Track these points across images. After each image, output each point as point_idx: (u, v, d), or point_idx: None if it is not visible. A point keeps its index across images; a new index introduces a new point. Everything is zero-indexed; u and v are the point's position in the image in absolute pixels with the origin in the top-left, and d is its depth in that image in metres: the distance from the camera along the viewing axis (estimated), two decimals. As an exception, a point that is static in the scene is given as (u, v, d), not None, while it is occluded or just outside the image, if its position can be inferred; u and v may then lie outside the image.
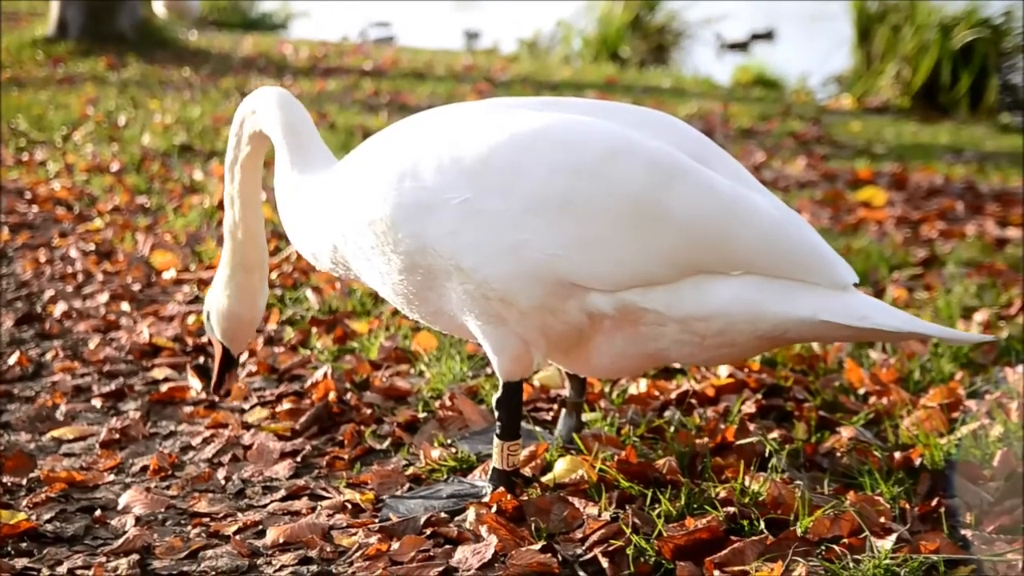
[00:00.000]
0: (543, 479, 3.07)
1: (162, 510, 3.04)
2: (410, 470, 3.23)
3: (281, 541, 2.83)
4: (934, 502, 2.82)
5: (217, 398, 3.44)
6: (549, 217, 2.66)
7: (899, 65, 10.73)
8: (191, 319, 4.63)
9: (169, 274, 5.32)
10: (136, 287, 5.19)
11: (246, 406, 3.78)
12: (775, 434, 3.32)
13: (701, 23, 15.81)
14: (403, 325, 4.38)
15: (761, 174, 7.25)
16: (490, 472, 2.97)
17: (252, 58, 13.45)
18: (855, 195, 6.61)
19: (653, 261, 2.67)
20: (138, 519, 2.99)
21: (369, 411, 3.64)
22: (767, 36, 20.89)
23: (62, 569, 2.73)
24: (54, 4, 13.42)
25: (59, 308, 4.88)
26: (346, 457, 3.34)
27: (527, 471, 3.11)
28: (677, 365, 3.88)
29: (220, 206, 6.51)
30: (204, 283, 5.16)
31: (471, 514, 2.86)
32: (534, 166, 2.69)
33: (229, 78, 11.51)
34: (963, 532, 2.68)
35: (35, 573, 2.71)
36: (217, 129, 8.68)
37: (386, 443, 3.44)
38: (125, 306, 4.89)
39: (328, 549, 2.77)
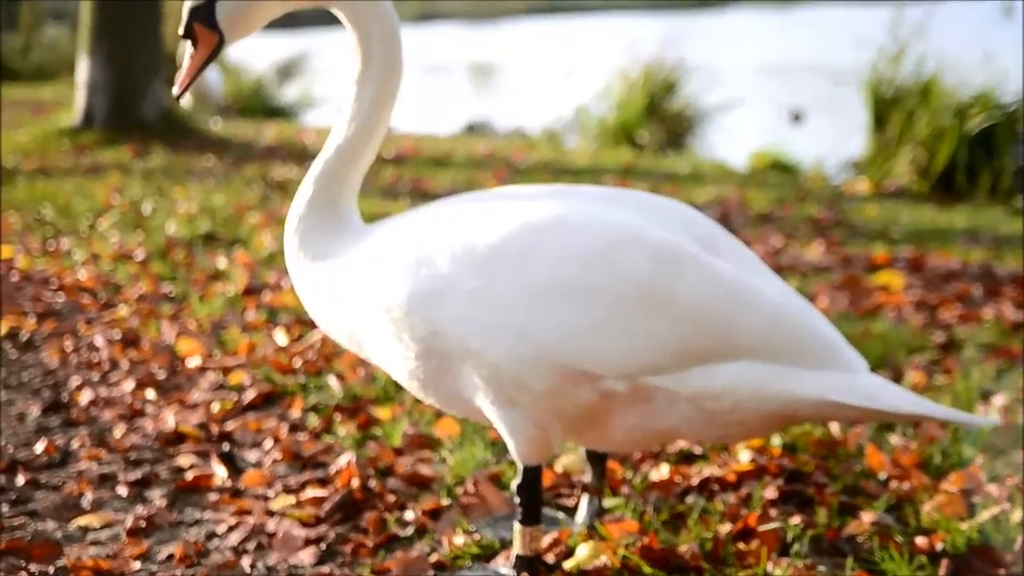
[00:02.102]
0: (566, 565, 3.09)
1: (189, 597, 3.07)
2: (434, 557, 3.25)
3: (307, 628, 2.85)
4: (955, 587, 2.83)
5: (177, 93, 3.22)
6: (556, 303, 2.72)
7: (915, 149, 10.79)
8: (216, 407, 4.68)
9: (194, 362, 5.36)
10: (161, 375, 5.23)
11: (271, 493, 3.82)
12: (797, 519, 3.34)
13: (717, 109, 15.90)
14: (426, 411, 4.42)
15: (779, 259, 7.30)
16: (513, 559, 2.99)
17: (274, 146, 13.58)
18: (873, 279, 6.64)
19: (658, 350, 2.71)
20: (166, 606, 3.02)
21: (393, 498, 3.67)
22: (798, 117, 21.09)
23: (92, 656, 2.75)
24: (79, 94, 13.58)
25: (85, 396, 4.93)
26: (370, 544, 3.37)
27: (550, 557, 3.13)
28: (698, 451, 3.91)
29: (245, 293, 6.58)
30: (228, 370, 5.21)
31: (495, 601, 2.88)
32: (541, 254, 2.76)
33: (252, 165, 11.62)
34: (984, 617, 2.69)
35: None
36: (240, 216, 8.76)
37: (410, 530, 3.47)
38: (150, 394, 4.94)
39: (354, 636, 2.79)
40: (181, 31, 3.15)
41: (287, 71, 24.16)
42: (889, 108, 11.48)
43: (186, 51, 3.16)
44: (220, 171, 11.31)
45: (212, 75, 16.46)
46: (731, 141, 15.68)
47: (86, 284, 6.96)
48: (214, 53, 3.16)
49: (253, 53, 24.39)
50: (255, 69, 23.73)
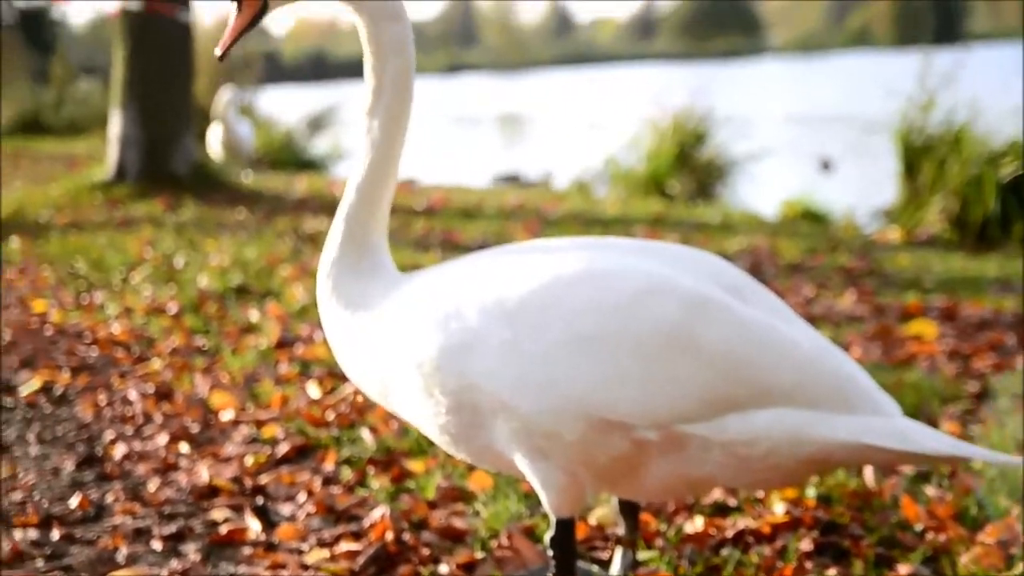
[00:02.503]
0: (601, 618, 3.08)
1: (225, 652, 3.06)
2: (469, 610, 3.25)
3: None
4: (994, 640, 2.81)
5: (219, 54, 3.20)
6: (585, 355, 2.72)
7: (946, 198, 10.77)
8: (249, 460, 4.69)
9: (227, 415, 5.38)
10: (195, 428, 5.25)
11: (305, 547, 3.82)
12: (833, 572, 3.32)
13: (747, 158, 15.91)
14: (459, 464, 4.42)
15: (811, 308, 7.28)
16: (548, 611, 2.98)
17: (305, 198, 13.66)
18: (905, 328, 6.62)
19: (689, 398, 2.71)
20: (201, 661, 3.01)
21: (427, 551, 3.67)
22: (827, 166, 21.17)
23: None
24: (112, 148, 13.69)
25: (119, 450, 4.95)
26: (405, 597, 3.36)
27: (585, 610, 3.12)
28: (733, 502, 3.89)
29: (277, 346, 6.60)
30: (261, 424, 5.22)
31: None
32: (570, 305, 2.77)
33: (283, 218, 11.68)
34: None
35: None
36: (272, 269, 8.80)
37: (445, 583, 3.46)
38: (184, 447, 4.95)
39: None
40: None
41: (317, 124, 24.35)
42: (920, 157, 11.47)
43: (231, 13, 3.17)
44: (252, 224, 11.36)
45: (243, 128, 16.55)
46: (761, 190, 15.68)
47: (119, 338, 6.99)
48: (257, 17, 3.18)
49: (283, 106, 24.61)
50: (286, 122, 23.92)
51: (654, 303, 2.75)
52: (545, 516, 3.86)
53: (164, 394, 5.83)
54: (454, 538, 3.81)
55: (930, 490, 4.03)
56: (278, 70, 73.73)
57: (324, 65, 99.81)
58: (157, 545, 3.91)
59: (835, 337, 6.46)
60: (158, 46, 13.58)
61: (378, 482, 4.34)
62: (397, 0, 3.10)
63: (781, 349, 2.75)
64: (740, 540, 3.65)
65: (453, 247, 9.53)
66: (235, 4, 3.15)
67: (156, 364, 6.36)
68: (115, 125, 13.63)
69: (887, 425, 2.76)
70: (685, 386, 2.71)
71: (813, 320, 6.92)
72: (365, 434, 4.91)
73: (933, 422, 4.87)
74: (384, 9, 3.09)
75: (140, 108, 13.51)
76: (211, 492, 4.39)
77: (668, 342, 2.72)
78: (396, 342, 2.94)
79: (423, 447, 4.71)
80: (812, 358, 2.77)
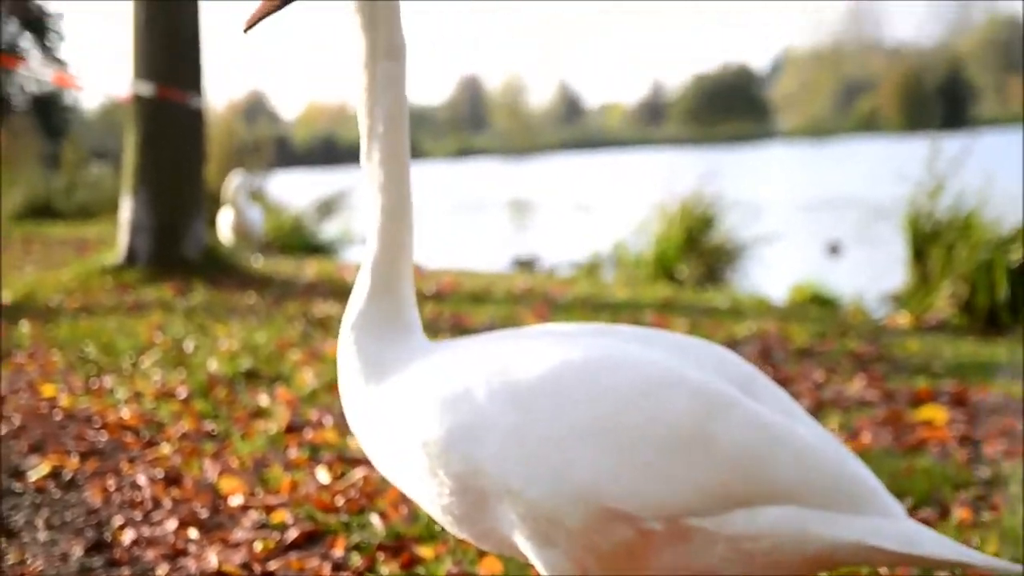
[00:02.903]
0: None
1: None
2: None
3: None
4: None
5: (245, 28, 3.17)
6: (592, 444, 2.72)
7: (955, 283, 10.78)
8: (258, 546, 4.68)
9: (236, 500, 5.37)
10: (204, 513, 5.24)
11: (314, 634, 3.80)
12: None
13: (756, 243, 15.94)
14: (469, 550, 4.40)
15: (821, 394, 7.27)
16: None
17: (315, 283, 13.69)
18: (916, 414, 6.60)
19: (696, 492, 2.71)
20: None
21: (437, 638, 3.65)
22: (835, 250, 21.25)
23: None
24: (123, 233, 13.74)
25: (128, 535, 4.94)
26: None
27: None
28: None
29: (287, 430, 6.60)
30: (271, 509, 5.21)
31: None
32: (579, 393, 2.76)
33: (293, 302, 11.70)
34: None
35: None
36: (282, 354, 8.81)
37: (454, 671, 3.44)
38: (193, 533, 4.94)
39: None
40: None
41: (327, 208, 24.46)
42: (929, 242, 11.50)
43: None
44: (262, 308, 11.39)
45: (254, 213, 16.64)
46: (770, 275, 15.72)
47: (129, 422, 6.99)
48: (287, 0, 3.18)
49: (293, 190, 24.74)
50: (295, 206, 24.03)
51: (664, 396, 2.75)
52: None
53: (173, 479, 5.82)
54: (464, 625, 3.79)
55: (942, 578, 4.01)
56: (288, 154, 74.20)
57: (334, 149, 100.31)
58: (165, 632, 3.90)
59: (845, 423, 6.45)
60: (170, 131, 13.68)
61: (388, 568, 4.33)
62: (398, 35, 3.11)
63: (789, 447, 2.76)
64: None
65: (462, 331, 9.54)
66: None
67: (165, 449, 6.36)
68: (126, 210, 13.70)
69: (892, 527, 2.76)
70: (692, 480, 2.71)
71: (823, 405, 6.91)
72: (375, 519, 4.90)
73: (945, 508, 4.85)
74: (387, 45, 3.09)
75: (151, 193, 13.58)
76: (220, 578, 4.37)
77: (677, 435, 2.72)
78: (405, 418, 2.94)
79: (433, 532, 4.69)
80: (820, 457, 2.77)
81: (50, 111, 54.81)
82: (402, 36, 3.12)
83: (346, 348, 3.14)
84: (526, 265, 19.56)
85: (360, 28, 3.10)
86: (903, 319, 10.89)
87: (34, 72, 49.29)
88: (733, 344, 8.86)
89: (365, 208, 3.17)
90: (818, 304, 12.91)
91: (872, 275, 13.65)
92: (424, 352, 3.08)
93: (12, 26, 54.71)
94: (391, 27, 3.10)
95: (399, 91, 3.11)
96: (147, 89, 13.47)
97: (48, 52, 56.36)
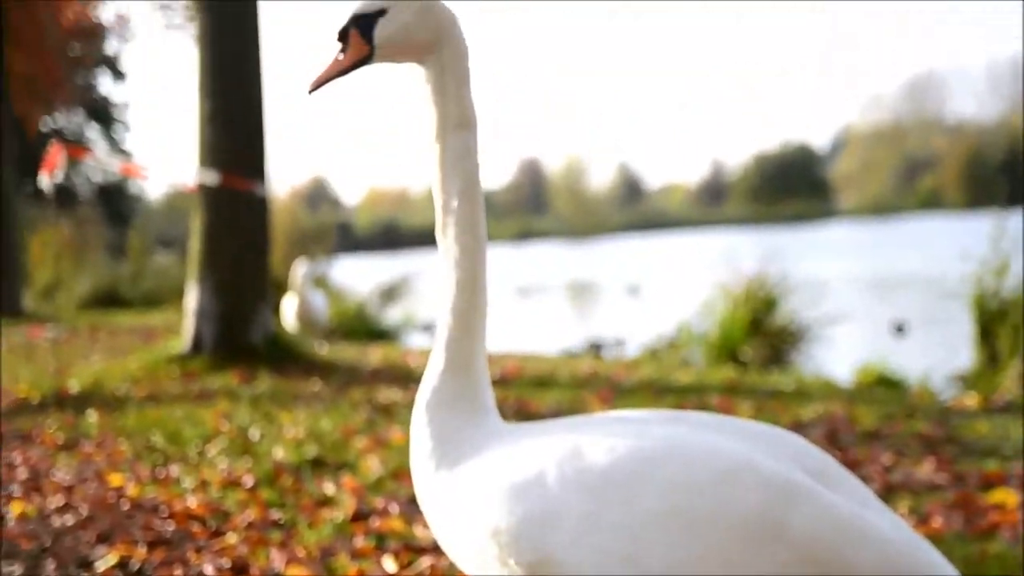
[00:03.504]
0: None
1: None
2: None
3: None
4: None
5: (310, 90, 3.19)
6: (666, 532, 2.70)
7: (1023, 363, 10.68)
8: (326, 637, 4.66)
9: (303, 590, 5.36)
10: (271, 604, 5.23)
11: None
12: None
13: (821, 323, 15.84)
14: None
15: (889, 477, 7.19)
16: None
17: (379, 369, 13.71)
18: (986, 497, 6.51)
19: None
20: None
21: None
22: (901, 329, 21.13)
23: None
24: (188, 321, 13.84)
25: (196, 626, 4.94)
26: None
27: None
28: None
29: (353, 519, 6.59)
30: (337, 599, 5.20)
31: None
32: (652, 482, 2.74)
33: (357, 389, 11.73)
34: None
35: None
36: (347, 441, 8.82)
37: None
38: (260, 623, 4.93)
39: None
40: (337, 33, 3.19)
41: (390, 294, 24.57)
42: (996, 321, 11.41)
43: (334, 53, 3.20)
44: (326, 395, 11.42)
45: (318, 300, 16.73)
46: (835, 356, 15.61)
47: (195, 511, 7.01)
48: (358, 63, 3.20)
49: (356, 276, 24.88)
50: (359, 292, 24.16)
51: (737, 484, 2.73)
52: None
53: (240, 568, 5.82)
54: None
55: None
56: (351, 240, 74.71)
57: (396, 234, 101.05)
58: None
59: (915, 506, 6.37)
60: (235, 219, 13.82)
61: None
62: (468, 107, 3.13)
63: (865, 538, 2.72)
64: None
65: (527, 416, 9.52)
66: (340, 44, 3.19)
67: (232, 538, 6.37)
68: (192, 298, 13.81)
69: None
70: (765, 570, 2.69)
71: (892, 489, 6.83)
72: (441, 610, 4.87)
73: (1019, 595, 4.77)
74: (459, 118, 3.11)
75: (217, 281, 13.70)
76: (287, 670, 4.36)
77: (750, 525, 2.70)
78: (475, 504, 2.92)
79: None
80: (894, 547, 2.73)
81: (116, 200, 55.66)
82: (473, 107, 3.13)
83: (419, 428, 3.12)
84: (595, 348, 19.52)
85: (430, 100, 3.13)
86: (971, 400, 10.76)
87: (100, 162, 49.99)
88: (799, 427, 8.79)
89: (440, 284, 3.15)
90: (884, 385, 12.79)
91: (939, 355, 13.54)
92: (497, 435, 3.06)
93: (79, 116, 55.66)
94: (461, 98, 3.12)
95: (472, 163, 3.12)
96: (212, 178, 13.63)
97: (114, 142, 57.30)
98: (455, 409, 3.10)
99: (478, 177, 3.13)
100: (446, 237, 3.13)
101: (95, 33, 33.84)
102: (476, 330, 3.14)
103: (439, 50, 3.15)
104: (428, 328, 23.61)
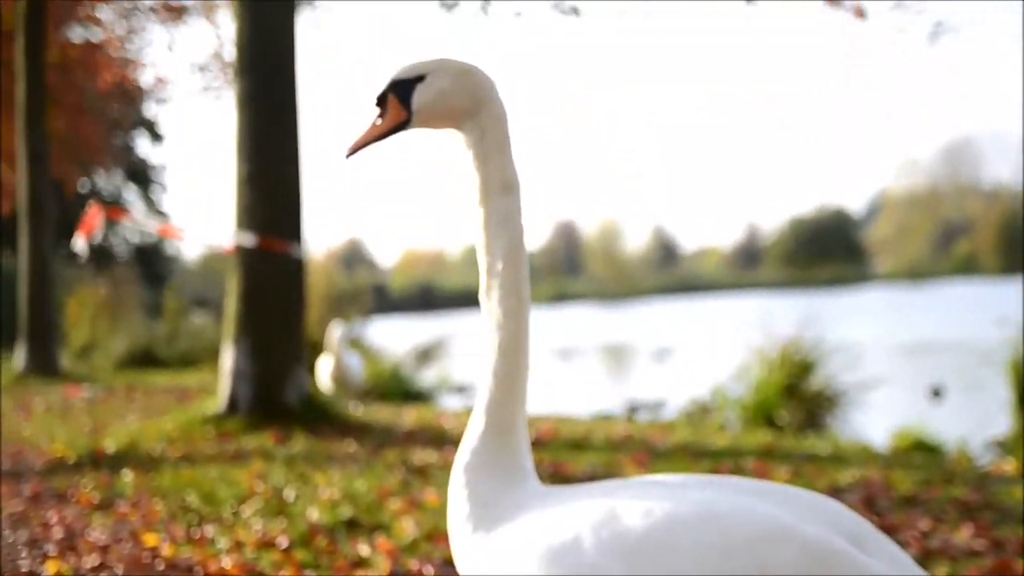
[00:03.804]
0: None
1: None
2: None
3: None
4: None
5: (347, 155, 3.25)
6: None
7: (1062, 428, 10.63)
8: None
9: (337, 652, 5.35)
10: (305, 666, 5.22)
11: None
12: None
13: (857, 388, 15.77)
14: None
15: (927, 543, 7.14)
16: None
17: (414, 430, 13.71)
18: (1026, 564, 6.47)
19: None
20: None
21: None
22: (938, 393, 21.05)
23: None
24: (224, 381, 13.87)
25: None
26: None
27: None
28: None
29: (386, 582, 6.58)
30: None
31: None
32: (687, 545, 2.74)
33: (392, 450, 11.72)
34: None
35: None
36: (382, 502, 8.82)
37: None
38: None
39: None
40: (376, 98, 3.24)
41: (425, 355, 24.60)
42: (1033, 387, 11.35)
43: (372, 118, 3.25)
44: (361, 456, 11.42)
45: (353, 361, 16.76)
46: (872, 420, 15.53)
47: (230, 572, 7.01)
48: (396, 129, 3.24)
49: (391, 337, 24.93)
50: (393, 353, 24.19)
51: (773, 548, 2.72)
52: None
53: (275, 630, 5.82)
54: None
55: None
56: (386, 301, 74.89)
57: (431, 296, 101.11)
58: None
59: (953, 572, 6.33)
60: (271, 280, 13.88)
61: None
62: (510, 170, 3.16)
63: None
64: None
65: (562, 479, 9.50)
66: (378, 109, 3.24)
67: (267, 599, 6.36)
68: (228, 359, 13.85)
69: None
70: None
71: (930, 555, 6.79)
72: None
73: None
74: (501, 180, 3.14)
75: (253, 342, 13.74)
76: None
77: (789, 590, 2.69)
78: (511, 567, 2.92)
79: None
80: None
81: (152, 261, 56.06)
82: (515, 170, 3.16)
83: (457, 490, 3.14)
84: (631, 410, 19.47)
85: (472, 164, 3.16)
86: (1009, 465, 10.69)
87: (138, 223, 50.40)
88: (836, 492, 8.74)
89: (482, 346, 3.17)
90: (921, 450, 12.72)
91: (976, 420, 13.46)
92: (535, 498, 3.07)
93: (117, 178, 56.19)
94: (503, 162, 3.14)
95: (516, 227, 3.15)
96: (249, 240, 13.71)
97: (151, 203, 57.79)
98: (494, 472, 3.11)
99: (522, 240, 3.16)
100: (490, 299, 3.15)
101: (134, 95, 34.16)
102: (517, 393, 3.16)
103: (477, 115, 3.19)
104: (463, 390, 23.64)
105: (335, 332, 16.58)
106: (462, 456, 3.17)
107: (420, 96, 3.22)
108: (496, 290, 3.14)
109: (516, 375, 3.15)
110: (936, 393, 21.19)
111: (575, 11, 16.29)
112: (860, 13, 15.67)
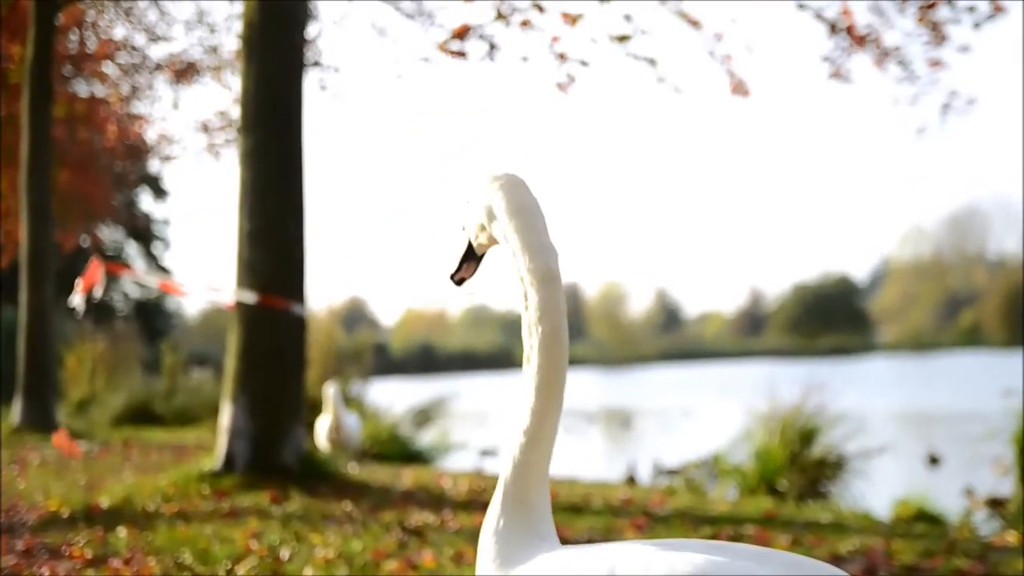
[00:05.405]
0: None
1: None
2: None
3: None
4: None
5: (454, 283, 3.50)
6: None
7: (1065, 501, 10.54)
8: None
9: None
10: None
11: None
12: None
13: (859, 457, 15.68)
14: None
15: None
16: None
17: (412, 491, 13.63)
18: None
19: None
20: None
21: None
22: (935, 460, 20.99)
23: None
24: (221, 439, 13.79)
25: None
26: None
27: None
28: None
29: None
30: None
31: None
32: None
33: (389, 511, 11.65)
34: None
35: None
36: (378, 563, 8.73)
37: None
38: None
39: None
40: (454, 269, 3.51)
41: (424, 416, 24.49)
42: (1036, 458, 11.27)
43: (462, 247, 3.47)
44: (358, 517, 11.34)
45: (351, 420, 16.68)
46: (874, 489, 15.43)
47: (222, 632, 6.92)
48: (467, 256, 3.48)
49: (391, 398, 24.88)
50: (392, 414, 24.11)
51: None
52: None
53: None
54: None
55: None
56: (386, 361, 74.79)
57: (432, 357, 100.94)
58: None
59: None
60: (271, 338, 13.83)
61: None
62: (549, 262, 3.17)
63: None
64: None
65: (560, 542, 9.39)
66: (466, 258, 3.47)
67: (257, 660, 6.27)
68: (226, 416, 13.78)
69: None
70: None
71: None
72: None
73: None
74: (534, 272, 3.16)
75: (252, 399, 13.67)
76: None
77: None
78: None
79: None
80: None
81: (152, 316, 56.11)
82: (549, 261, 3.18)
83: (487, 554, 3.17)
84: (631, 477, 19.37)
85: (510, 255, 3.20)
86: (1012, 537, 10.60)
87: (139, 279, 50.47)
88: (837, 561, 8.66)
89: (514, 410, 3.25)
90: (923, 520, 12.62)
91: (979, 491, 13.35)
92: (545, 559, 3.09)
93: (118, 233, 56.35)
94: (536, 253, 3.19)
95: (557, 313, 3.17)
96: (250, 297, 13.67)
97: (153, 259, 57.91)
98: (520, 538, 3.15)
99: (563, 323, 3.19)
100: (530, 366, 3.19)
101: (138, 152, 34.30)
102: (544, 458, 3.21)
103: (494, 220, 3.27)
104: (462, 449, 23.54)
105: (329, 391, 16.51)
106: (490, 523, 3.20)
107: (465, 223, 3.39)
108: (535, 360, 3.18)
109: (545, 440, 3.20)
110: (933, 460, 21.12)
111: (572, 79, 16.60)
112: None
